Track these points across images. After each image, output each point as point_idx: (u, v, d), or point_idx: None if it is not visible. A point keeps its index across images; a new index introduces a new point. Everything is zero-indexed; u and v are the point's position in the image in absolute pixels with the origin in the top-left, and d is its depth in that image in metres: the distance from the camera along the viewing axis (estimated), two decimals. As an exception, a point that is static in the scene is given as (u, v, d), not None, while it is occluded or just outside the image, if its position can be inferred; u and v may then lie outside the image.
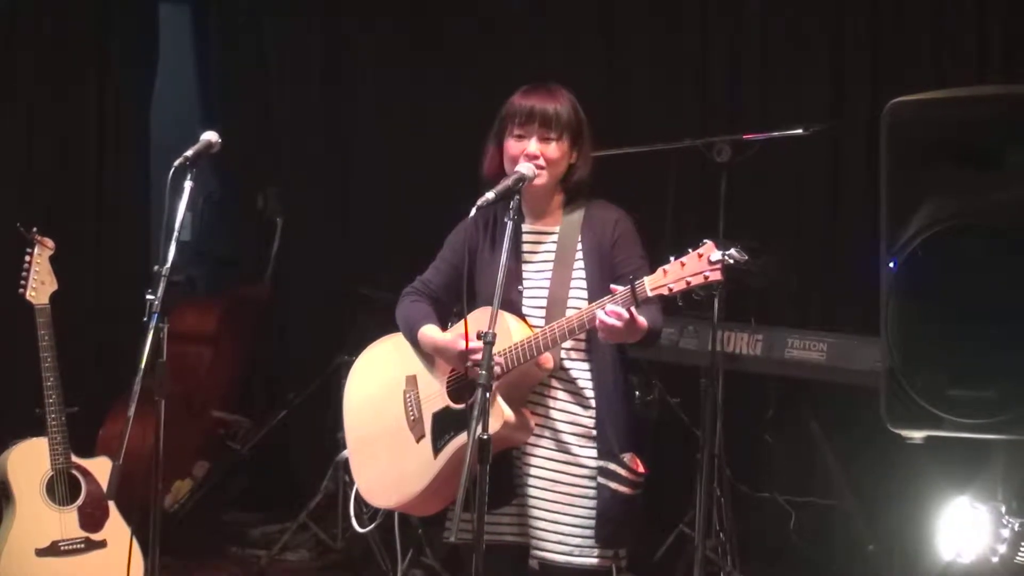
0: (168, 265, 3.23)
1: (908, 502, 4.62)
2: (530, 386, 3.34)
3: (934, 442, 3.13)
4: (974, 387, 2.95)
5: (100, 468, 4.52)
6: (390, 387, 3.55)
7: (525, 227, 3.47)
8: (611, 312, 3.07)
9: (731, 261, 2.97)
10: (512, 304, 3.36)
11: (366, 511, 3.82)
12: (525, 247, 3.45)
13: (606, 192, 3.51)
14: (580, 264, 3.36)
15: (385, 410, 3.54)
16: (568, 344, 3.34)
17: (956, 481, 3.79)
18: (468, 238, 3.47)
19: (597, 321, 3.10)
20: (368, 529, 3.71)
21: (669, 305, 3.32)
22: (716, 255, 2.96)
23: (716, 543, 4.71)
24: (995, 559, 3.35)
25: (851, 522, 4.97)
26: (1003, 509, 3.39)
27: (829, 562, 5.11)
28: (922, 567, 4.04)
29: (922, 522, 3.96)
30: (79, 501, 4.48)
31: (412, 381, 3.50)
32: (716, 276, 2.97)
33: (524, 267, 3.43)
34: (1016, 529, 3.33)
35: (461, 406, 3.34)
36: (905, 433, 3.12)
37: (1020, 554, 3.32)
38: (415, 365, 3.51)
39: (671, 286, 3.01)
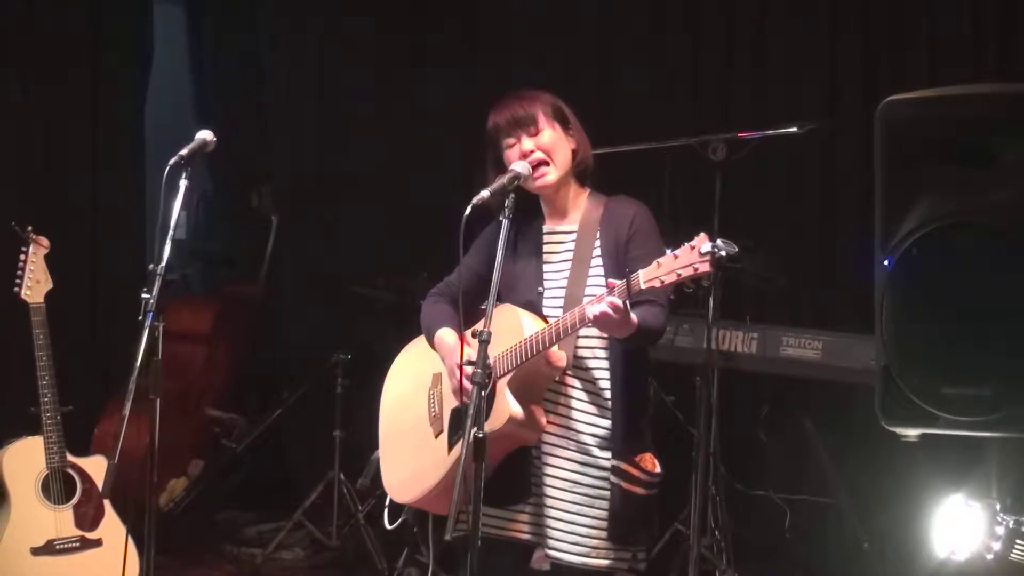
0: (163, 264, 3.22)
1: (902, 500, 4.64)
2: (543, 384, 3.32)
3: (928, 440, 3.14)
4: (968, 385, 2.95)
5: (95, 467, 4.53)
6: (418, 385, 3.57)
7: (545, 228, 3.46)
8: (613, 304, 3.03)
9: (721, 253, 2.94)
10: (532, 305, 3.36)
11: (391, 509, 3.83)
12: (546, 247, 3.44)
13: (602, 190, 3.50)
14: (598, 262, 3.34)
15: (412, 407, 3.55)
16: (584, 343, 3.33)
17: (951, 479, 3.79)
18: (488, 242, 3.46)
19: (595, 313, 3.08)
20: (395, 526, 3.71)
21: (667, 290, 3.30)
22: (706, 246, 2.92)
23: (711, 541, 4.72)
24: (989, 556, 3.35)
25: (845, 520, 4.98)
26: (997, 507, 3.40)
27: (823, 560, 5.11)
28: (916, 565, 4.05)
29: (916, 520, 3.97)
30: (74, 500, 4.48)
31: (437, 378, 3.51)
32: (705, 268, 2.93)
33: (545, 267, 3.42)
34: (1011, 526, 3.34)
35: None
36: (900, 431, 3.12)
37: (1015, 552, 3.33)
38: (441, 363, 3.51)
39: (663, 278, 2.98)
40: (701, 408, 4.57)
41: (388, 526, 3.73)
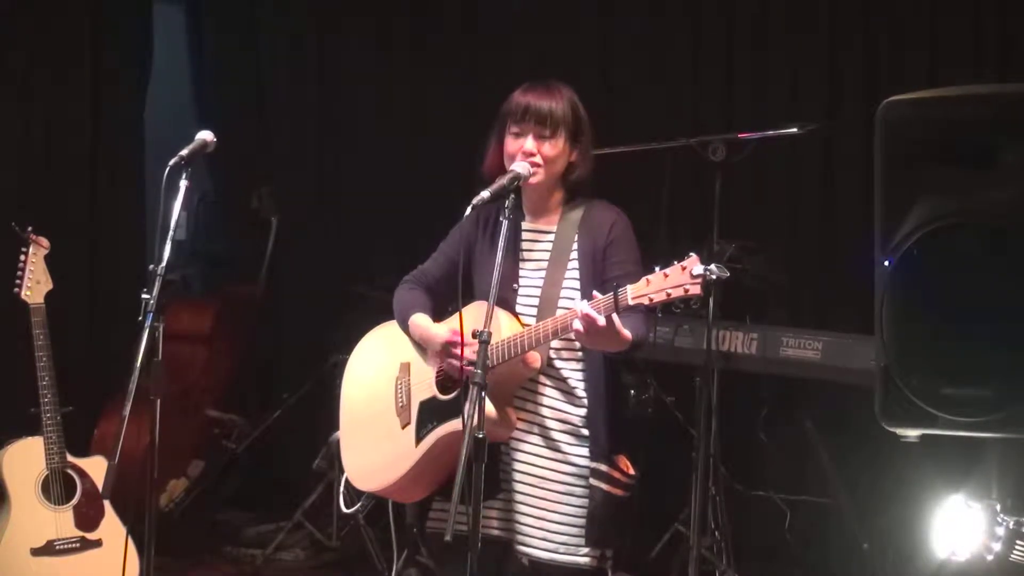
0: (163, 264, 3.22)
1: (902, 500, 4.64)
2: (516, 384, 3.35)
3: (928, 440, 3.14)
4: (968, 385, 2.95)
5: (95, 467, 4.53)
6: (384, 373, 3.57)
7: (524, 225, 3.47)
8: (585, 317, 3.07)
9: (712, 276, 2.96)
10: (506, 302, 3.37)
11: (349, 494, 3.84)
12: (523, 245, 3.45)
13: (601, 191, 3.51)
14: (574, 265, 3.36)
15: (377, 395, 3.56)
16: (559, 344, 3.34)
17: (951, 479, 3.79)
18: (467, 233, 3.47)
19: (572, 326, 3.10)
20: (353, 510, 3.72)
21: (656, 308, 3.31)
22: (698, 269, 2.95)
23: (711, 541, 4.72)
24: (990, 557, 3.35)
25: (846, 520, 4.98)
26: (998, 507, 3.40)
27: (824, 561, 5.11)
28: (917, 565, 4.05)
29: (917, 520, 3.97)
30: (74, 500, 4.48)
31: (405, 368, 3.52)
32: (696, 290, 2.96)
33: (521, 266, 3.43)
34: (1011, 527, 3.34)
35: (447, 397, 3.37)
36: (900, 431, 3.12)
37: (1015, 552, 3.33)
38: (409, 352, 3.53)
39: (652, 296, 3.00)
40: (701, 408, 4.57)
41: (345, 510, 3.76)
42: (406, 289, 3.60)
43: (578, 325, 3.07)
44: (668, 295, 2.98)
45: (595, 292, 3.11)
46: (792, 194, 5.56)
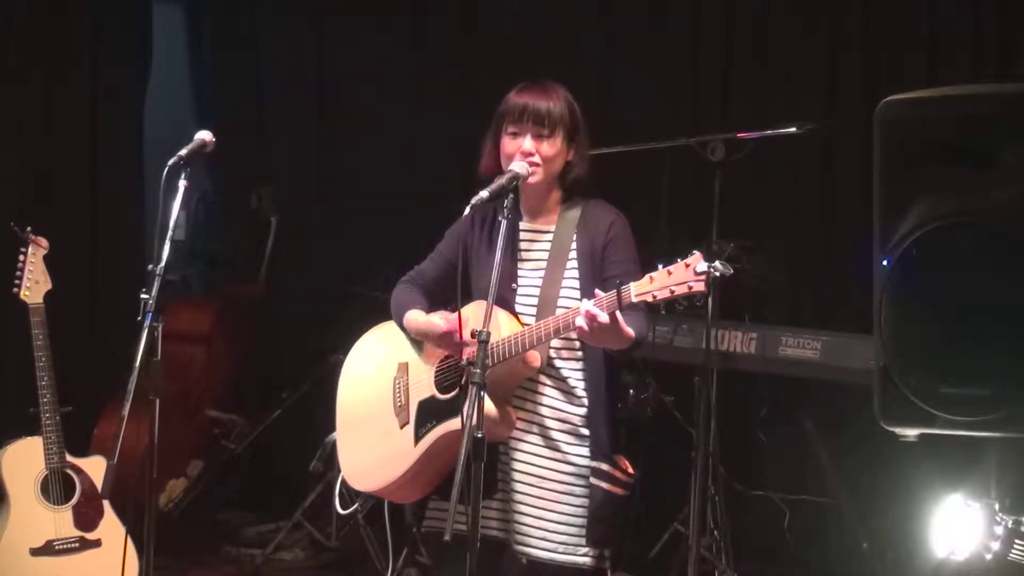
0: (162, 264, 3.23)
1: (902, 500, 4.64)
2: (516, 383, 3.35)
3: (928, 440, 3.14)
4: (967, 385, 2.95)
5: (95, 467, 4.53)
6: (382, 372, 3.58)
7: (522, 225, 3.47)
8: (589, 314, 3.07)
9: (716, 273, 2.97)
10: (505, 302, 3.37)
11: (347, 494, 3.84)
12: (521, 245, 3.45)
13: (601, 191, 3.51)
14: (573, 264, 3.37)
15: (374, 395, 3.57)
16: (559, 343, 3.34)
17: (950, 479, 3.79)
18: (463, 233, 3.48)
19: (575, 324, 3.11)
20: (349, 511, 3.73)
21: (660, 305, 3.32)
22: (702, 266, 2.96)
23: (710, 541, 4.72)
24: (988, 556, 3.35)
25: (845, 520, 4.98)
26: (996, 507, 3.39)
27: (823, 560, 5.12)
28: (915, 565, 4.05)
29: (916, 520, 3.97)
30: (74, 500, 4.48)
31: (403, 368, 3.53)
32: (700, 287, 2.97)
33: (519, 265, 3.43)
34: (1009, 526, 3.34)
35: (446, 396, 3.38)
36: (898, 431, 3.12)
37: (1013, 552, 3.32)
38: (407, 352, 3.54)
39: (655, 293, 3.01)
40: (700, 408, 4.57)
41: (340, 511, 3.76)
42: (402, 288, 3.61)
43: (581, 322, 3.07)
44: (672, 292, 2.99)
45: (597, 291, 3.12)
46: (792, 194, 5.56)
